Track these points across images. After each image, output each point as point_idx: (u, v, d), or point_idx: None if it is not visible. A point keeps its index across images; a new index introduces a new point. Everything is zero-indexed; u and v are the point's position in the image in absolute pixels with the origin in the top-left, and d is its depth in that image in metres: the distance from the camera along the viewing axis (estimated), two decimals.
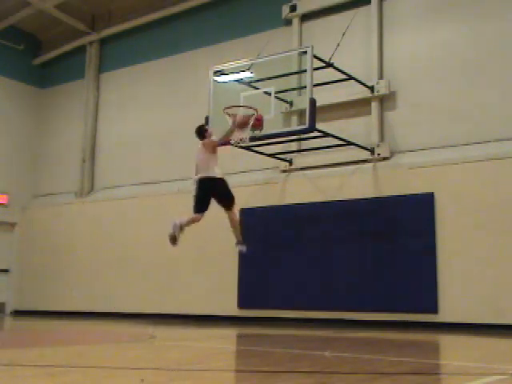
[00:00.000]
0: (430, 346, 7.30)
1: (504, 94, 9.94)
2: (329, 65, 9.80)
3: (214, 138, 8.50)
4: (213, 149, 8.42)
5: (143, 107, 14.46)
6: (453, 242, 9.72)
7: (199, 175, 8.39)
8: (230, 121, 8.98)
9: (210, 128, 8.82)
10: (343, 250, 10.66)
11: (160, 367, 4.51)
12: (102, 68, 15.48)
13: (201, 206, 8.39)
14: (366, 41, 11.30)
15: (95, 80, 15.38)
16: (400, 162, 10.55)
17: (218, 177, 8.38)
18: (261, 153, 10.93)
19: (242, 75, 10.43)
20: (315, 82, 9.41)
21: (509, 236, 9.28)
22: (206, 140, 8.49)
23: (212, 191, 8.38)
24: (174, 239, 8.21)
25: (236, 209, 8.64)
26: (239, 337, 8.79)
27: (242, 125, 8.79)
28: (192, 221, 8.39)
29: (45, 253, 15.16)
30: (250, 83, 10.32)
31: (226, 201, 8.46)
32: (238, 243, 8.71)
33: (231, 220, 8.63)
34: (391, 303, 10.06)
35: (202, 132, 8.61)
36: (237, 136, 8.90)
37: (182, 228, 8.25)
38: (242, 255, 11.67)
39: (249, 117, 8.86)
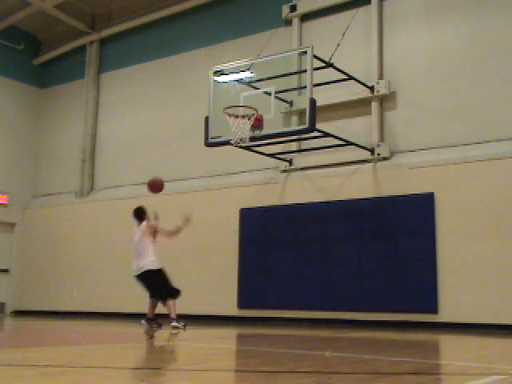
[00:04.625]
0: (430, 345, 7.29)
1: (504, 94, 9.93)
2: (329, 65, 9.80)
3: (153, 223, 8.40)
4: (150, 233, 8.33)
5: (143, 107, 14.45)
6: (453, 241, 9.71)
7: (134, 266, 8.40)
8: (230, 121, 8.99)
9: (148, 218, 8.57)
10: (343, 249, 10.65)
11: (160, 367, 4.51)
12: (102, 68, 15.48)
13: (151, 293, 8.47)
14: (366, 41, 11.30)
15: (95, 80, 15.38)
16: (400, 162, 10.55)
17: (154, 268, 8.32)
18: (261, 153, 10.93)
19: (242, 75, 10.43)
20: (315, 82, 9.40)
21: (509, 236, 9.28)
22: (143, 224, 8.38)
23: (148, 283, 8.37)
24: (149, 335, 8.10)
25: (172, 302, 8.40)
26: (239, 337, 8.78)
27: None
28: (152, 307, 8.46)
29: (45, 253, 15.15)
30: (249, 83, 10.32)
31: (160, 294, 8.42)
32: (173, 320, 8.32)
33: (168, 308, 8.44)
34: (391, 303, 10.05)
35: (140, 215, 8.50)
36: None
37: (151, 321, 8.34)
38: (242, 255, 11.72)
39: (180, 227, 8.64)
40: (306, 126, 9.30)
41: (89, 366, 4.52)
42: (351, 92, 11.12)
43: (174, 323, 8.25)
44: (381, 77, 11.04)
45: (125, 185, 14.37)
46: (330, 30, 11.35)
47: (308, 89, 9.18)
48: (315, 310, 10.77)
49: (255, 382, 3.87)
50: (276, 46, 10.91)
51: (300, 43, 11.89)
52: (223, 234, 12.11)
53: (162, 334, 8.39)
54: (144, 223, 8.44)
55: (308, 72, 9.20)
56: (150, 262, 8.37)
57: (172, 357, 5.46)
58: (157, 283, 8.38)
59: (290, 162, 11.64)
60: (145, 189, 13.81)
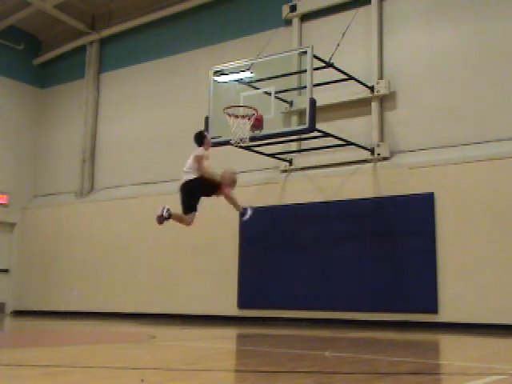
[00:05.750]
0: (430, 345, 7.30)
1: (504, 94, 9.94)
2: (329, 65, 9.80)
3: (207, 153, 8.34)
4: (198, 163, 8.33)
5: (143, 107, 14.45)
6: (453, 241, 9.72)
7: (180, 181, 8.28)
8: (230, 121, 8.98)
9: (208, 138, 8.64)
10: (343, 249, 10.65)
11: (160, 367, 4.51)
12: (102, 68, 15.48)
13: (184, 208, 8.25)
14: (366, 41, 11.30)
15: (95, 80, 15.38)
16: (400, 162, 10.55)
17: (192, 178, 8.17)
18: (261, 153, 10.93)
19: (242, 75, 10.43)
20: (315, 82, 9.41)
21: (509, 236, 9.28)
22: (198, 151, 8.38)
23: (191, 192, 8.23)
24: (160, 218, 8.04)
25: (227, 190, 8.35)
26: (239, 337, 8.78)
27: (228, 182, 8.59)
28: (182, 219, 8.27)
29: (45, 253, 15.16)
30: (249, 83, 10.32)
31: (211, 191, 8.30)
32: (243, 211, 8.55)
33: (230, 200, 8.47)
34: (391, 303, 10.06)
35: (200, 139, 8.51)
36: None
37: (170, 214, 8.13)
38: (242, 255, 11.72)
39: (235, 175, 8.59)
40: (306, 126, 9.30)
41: (89, 366, 4.52)
42: (351, 92, 11.12)
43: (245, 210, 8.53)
44: (381, 77, 11.04)
45: (125, 185, 14.38)
46: (330, 29, 11.34)
47: (308, 89, 9.19)
48: (315, 310, 10.77)
49: (255, 381, 3.87)
50: (276, 46, 10.92)
51: (300, 43, 11.89)
52: (223, 234, 12.10)
53: (162, 334, 8.39)
54: (199, 149, 8.34)
55: (308, 72, 9.21)
56: (191, 175, 8.19)
57: (172, 357, 5.45)
58: (198, 187, 8.20)
59: (290, 162, 11.64)
60: (145, 189, 13.91)
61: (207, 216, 12.41)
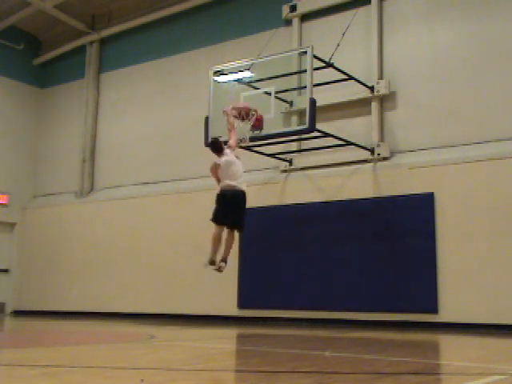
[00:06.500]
0: (430, 345, 7.30)
1: (504, 94, 9.93)
2: (329, 65, 9.80)
3: (230, 142, 8.42)
4: (235, 151, 8.31)
5: (143, 107, 14.45)
6: (453, 241, 9.71)
7: (233, 183, 8.07)
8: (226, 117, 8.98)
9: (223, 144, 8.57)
10: (343, 249, 10.65)
11: (160, 367, 4.51)
12: (102, 68, 15.48)
13: (225, 217, 8.09)
14: (366, 41, 11.30)
15: (95, 80, 15.38)
16: (400, 162, 10.55)
17: (245, 192, 8.16)
18: (261, 153, 10.93)
19: (241, 75, 10.43)
20: (315, 82, 9.40)
21: (508, 236, 9.28)
22: (226, 150, 8.32)
23: (239, 206, 8.13)
24: (219, 270, 8.11)
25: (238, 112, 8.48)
26: (239, 337, 8.79)
27: (238, 109, 8.53)
28: (214, 244, 8.04)
29: (45, 253, 15.16)
30: (249, 83, 10.32)
31: (242, 221, 8.26)
32: (223, 260, 8.23)
33: (230, 242, 8.27)
34: (391, 303, 10.05)
35: (218, 147, 8.39)
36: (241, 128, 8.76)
37: (214, 261, 8.01)
38: (242, 255, 11.72)
39: (247, 108, 8.67)
40: (306, 126, 9.30)
41: (89, 366, 4.52)
42: (351, 92, 11.12)
43: (223, 264, 8.18)
44: (381, 77, 11.04)
45: (125, 185, 14.38)
46: (330, 30, 11.34)
47: (308, 89, 9.18)
48: (315, 310, 10.77)
49: (255, 382, 3.88)
50: (276, 46, 10.91)
51: (300, 43, 11.89)
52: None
53: (162, 334, 8.39)
54: (228, 151, 8.28)
55: (308, 72, 9.20)
56: (244, 184, 8.16)
57: (172, 357, 5.46)
58: (243, 208, 8.17)
59: (290, 161, 11.64)
60: (145, 189, 13.91)
61: (207, 216, 12.42)
